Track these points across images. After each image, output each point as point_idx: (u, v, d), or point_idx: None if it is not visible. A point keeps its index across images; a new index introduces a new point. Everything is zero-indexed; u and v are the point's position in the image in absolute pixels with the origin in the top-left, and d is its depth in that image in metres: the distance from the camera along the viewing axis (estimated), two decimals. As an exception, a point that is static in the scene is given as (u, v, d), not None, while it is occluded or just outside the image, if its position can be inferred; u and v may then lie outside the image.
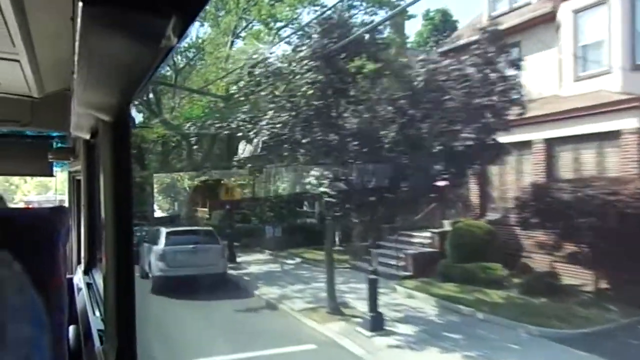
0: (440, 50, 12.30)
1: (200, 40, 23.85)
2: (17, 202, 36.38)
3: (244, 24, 23.21)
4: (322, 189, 10.07)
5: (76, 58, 0.88)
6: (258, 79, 11.39)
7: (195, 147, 21.24)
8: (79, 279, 2.71)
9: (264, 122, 11.50)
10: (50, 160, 3.21)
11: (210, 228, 15.24)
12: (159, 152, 26.74)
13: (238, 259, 17.87)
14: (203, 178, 22.53)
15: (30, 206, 32.24)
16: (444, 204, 14.78)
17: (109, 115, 1.15)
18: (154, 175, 25.05)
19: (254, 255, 20.23)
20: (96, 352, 1.54)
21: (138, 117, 26.29)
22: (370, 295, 9.76)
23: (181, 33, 0.68)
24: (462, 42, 14.49)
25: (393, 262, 14.89)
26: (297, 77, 10.49)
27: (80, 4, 0.62)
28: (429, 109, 9.98)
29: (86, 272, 2.72)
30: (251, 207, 23.04)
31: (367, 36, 10.69)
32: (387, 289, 12.29)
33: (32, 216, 1.31)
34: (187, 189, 25.52)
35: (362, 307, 10.84)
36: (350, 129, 10.24)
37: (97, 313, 1.92)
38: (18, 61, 1.50)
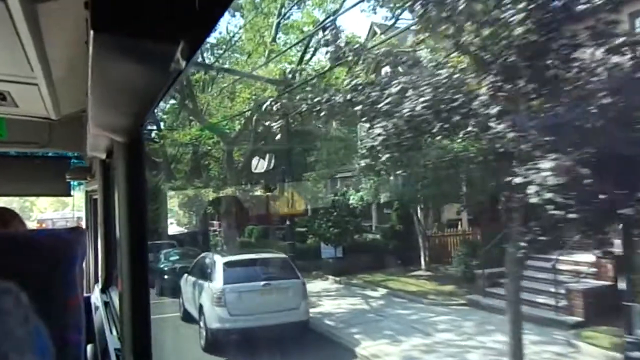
0: None
1: (231, 34, 21.03)
2: (33, 219, 33.67)
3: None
4: (546, 195, 5.89)
5: (90, 82, 0.90)
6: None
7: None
8: (96, 297, 2.72)
9: (396, 89, 7.28)
10: (68, 180, 3.24)
11: (284, 255, 11.02)
12: (190, 158, 22.92)
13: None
14: (231, 189, 18.62)
15: (44, 225, 28.07)
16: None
17: (122, 137, 1.17)
18: (182, 185, 21.04)
19: (316, 283, 16.10)
20: None
21: (168, 119, 22.75)
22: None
23: (189, 56, 0.70)
24: None
25: (542, 299, 10.64)
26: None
27: (92, 31, 0.63)
28: None
29: (103, 290, 2.73)
30: (301, 222, 18.79)
31: None
32: (556, 344, 8.79)
33: (51, 237, 1.31)
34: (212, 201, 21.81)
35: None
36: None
37: (114, 332, 1.89)
38: (36, 85, 1.54)
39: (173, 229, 26.54)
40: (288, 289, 9.80)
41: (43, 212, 37.04)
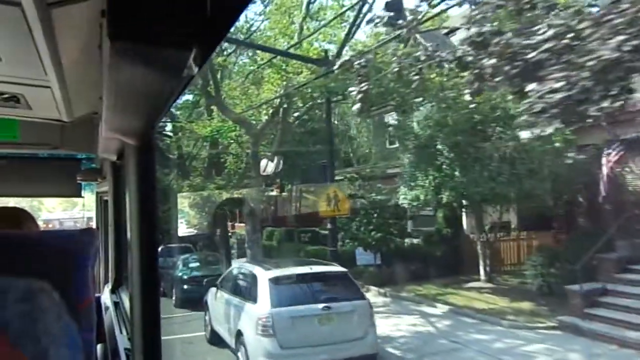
0: None
1: (250, 22, 19.42)
2: (40, 219, 32.65)
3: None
4: None
5: (104, 87, 0.93)
6: None
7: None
8: (106, 297, 2.76)
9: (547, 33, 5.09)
10: (79, 182, 3.26)
11: (342, 268, 8.85)
12: (209, 153, 21.05)
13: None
14: (254, 189, 16.76)
15: (50, 225, 26.74)
16: None
17: (134, 139, 1.18)
18: (200, 183, 19.28)
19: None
20: None
21: (183, 113, 21.00)
22: None
23: (202, 62, 0.72)
24: None
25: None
26: None
27: (108, 39, 0.65)
28: None
29: (113, 290, 2.76)
30: (330, 225, 16.66)
31: None
32: None
33: (63, 238, 1.33)
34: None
35: None
36: None
37: (124, 331, 1.93)
38: (49, 87, 1.55)
39: (187, 231, 24.83)
40: (352, 313, 7.69)
41: (52, 211, 36.32)
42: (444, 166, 11.93)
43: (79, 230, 1.41)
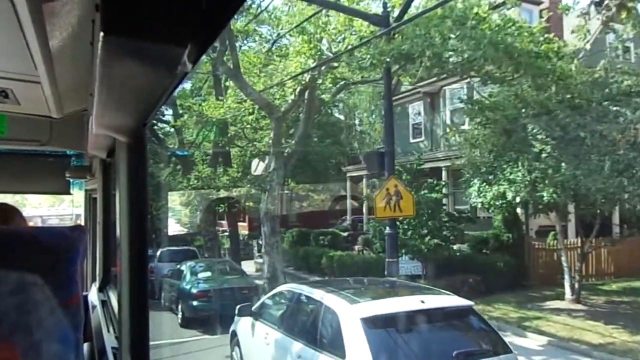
0: None
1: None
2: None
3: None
4: None
5: (96, 83, 0.90)
6: None
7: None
8: (93, 296, 2.71)
9: None
10: (68, 179, 3.22)
11: (466, 302, 5.93)
12: (216, 141, 18.46)
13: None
14: (277, 184, 14.21)
15: (31, 223, 23.04)
16: None
17: (125, 136, 1.16)
18: (208, 177, 16.71)
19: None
20: None
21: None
22: None
23: (196, 59, 0.71)
24: None
25: None
26: None
27: (101, 33, 0.63)
28: None
29: (101, 289, 2.75)
30: (389, 229, 13.91)
31: None
32: None
33: (53, 235, 1.29)
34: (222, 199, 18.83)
35: None
36: None
37: (112, 330, 1.90)
38: (39, 83, 1.52)
39: (190, 231, 22.58)
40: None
41: (37, 207, 34.84)
42: (543, 154, 9.29)
43: (69, 226, 1.36)
